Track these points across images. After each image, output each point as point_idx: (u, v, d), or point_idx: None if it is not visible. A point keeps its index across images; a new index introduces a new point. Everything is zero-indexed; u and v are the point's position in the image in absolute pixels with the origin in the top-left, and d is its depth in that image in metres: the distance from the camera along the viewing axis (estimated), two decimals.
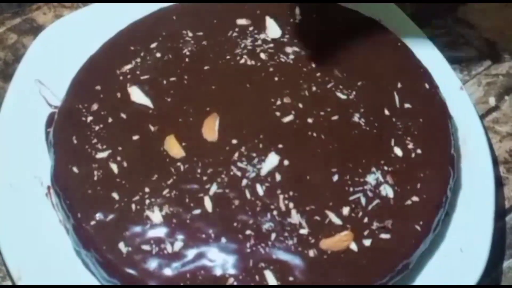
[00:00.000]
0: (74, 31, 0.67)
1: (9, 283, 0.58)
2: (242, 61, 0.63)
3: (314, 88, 0.62)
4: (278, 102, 0.61)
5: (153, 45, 0.63)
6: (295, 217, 0.56)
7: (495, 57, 0.74)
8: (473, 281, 0.56)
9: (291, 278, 0.53)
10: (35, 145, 0.61)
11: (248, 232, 0.55)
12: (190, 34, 0.64)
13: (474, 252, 0.58)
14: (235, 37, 0.64)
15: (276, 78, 0.62)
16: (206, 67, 0.62)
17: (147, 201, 0.56)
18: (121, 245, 0.54)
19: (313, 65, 0.63)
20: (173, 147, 0.58)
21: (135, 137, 0.59)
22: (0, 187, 0.59)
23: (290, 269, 0.54)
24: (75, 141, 0.59)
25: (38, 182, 0.60)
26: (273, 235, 0.55)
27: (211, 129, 0.59)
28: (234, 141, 0.58)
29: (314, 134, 0.59)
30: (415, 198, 0.57)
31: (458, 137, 0.63)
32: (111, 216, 0.55)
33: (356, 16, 0.67)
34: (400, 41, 0.66)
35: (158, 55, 0.63)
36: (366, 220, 0.56)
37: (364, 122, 0.61)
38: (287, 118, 0.60)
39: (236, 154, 0.58)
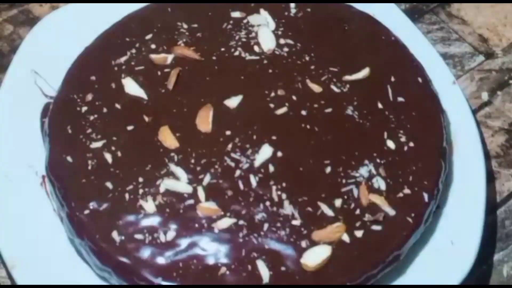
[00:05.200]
0: (69, 22, 0.67)
1: (3, 270, 0.59)
2: (237, 53, 0.63)
3: (307, 81, 0.62)
4: (272, 94, 0.61)
5: (148, 37, 0.64)
6: (287, 208, 0.56)
7: (488, 52, 0.74)
8: (463, 273, 0.57)
9: (283, 268, 0.54)
10: (30, 135, 0.62)
11: (241, 222, 0.55)
12: (185, 26, 0.65)
13: (465, 245, 0.58)
14: (230, 30, 0.65)
15: (270, 71, 0.62)
16: (200, 59, 0.63)
17: (141, 191, 0.56)
18: (115, 234, 0.54)
19: (307, 58, 0.63)
20: (167, 138, 0.58)
21: (130, 128, 0.59)
22: None
23: (282, 259, 0.54)
24: (69, 131, 0.59)
25: (33, 172, 0.60)
26: (266, 226, 0.55)
27: (205, 120, 0.59)
28: (228, 132, 0.59)
29: (308, 126, 0.60)
30: (407, 191, 0.58)
31: (450, 131, 0.64)
32: (104, 205, 0.55)
33: (351, 10, 0.68)
34: (394, 36, 0.67)
35: (153, 46, 0.63)
36: (358, 211, 0.56)
37: (357, 115, 0.61)
38: (281, 110, 0.60)
39: (230, 145, 0.58)
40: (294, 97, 0.61)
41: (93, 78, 0.62)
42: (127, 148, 0.58)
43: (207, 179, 0.57)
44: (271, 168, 0.57)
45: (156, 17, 0.65)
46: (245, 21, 0.65)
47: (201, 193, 0.56)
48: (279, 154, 0.58)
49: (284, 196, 0.56)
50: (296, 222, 0.55)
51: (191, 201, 0.56)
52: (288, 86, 0.62)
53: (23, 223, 0.58)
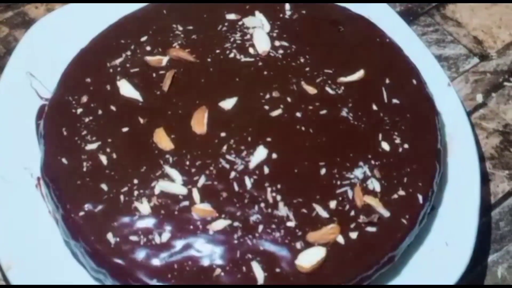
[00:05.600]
0: (65, 25, 0.67)
1: None
2: (232, 55, 0.63)
3: (302, 83, 0.62)
4: (267, 96, 0.61)
5: (143, 39, 0.64)
6: (282, 210, 0.56)
7: (483, 55, 0.74)
8: (458, 274, 0.57)
9: (277, 270, 0.54)
10: (26, 137, 0.62)
11: (235, 223, 0.55)
12: (180, 28, 0.65)
13: (459, 246, 0.58)
14: (225, 32, 0.65)
15: (265, 72, 0.63)
16: (195, 61, 0.63)
17: (136, 193, 0.56)
18: (110, 236, 0.54)
19: (302, 60, 0.64)
20: (162, 140, 0.58)
21: (125, 129, 0.59)
22: None
23: (277, 261, 0.54)
24: (65, 133, 0.59)
25: (28, 174, 0.60)
26: (261, 227, 0.55)
27: (200, 122, 0.59)
28: (223, 134, 0.59)
29: (303, 128, 0.60)
30: (401, 192, 0.58)
31: (445, 133, 0.64)
32: (99, 207, 0.55)
33: (346, 12, 0.68)
34: (389, 38, 0.67)
35: (148, 48, 0.63)
36: (352, 213, 0.57)
37: (352, 116, 0.61)
38: (276, 112, 0.60)
39: (225, 147, 0.58)
40: (289, 99, 0.61)
41: (88, 80, 0.62)
42: (122, 150, 0.58)
43: (202, 180, 0.57)
44: (266, 170, 0.57)
45: (151, 19, 0.66)
46: (240, 23, 0.65)
47: (196, 195, 0.56)
48: (274, 156, 0.58)
49: (279, 197, 0.56)
50: (291, 224, 0.56)
51: (186, 203, 0.56)
52: (283, 88, 0.62)
53: (18, 225, 0.58)
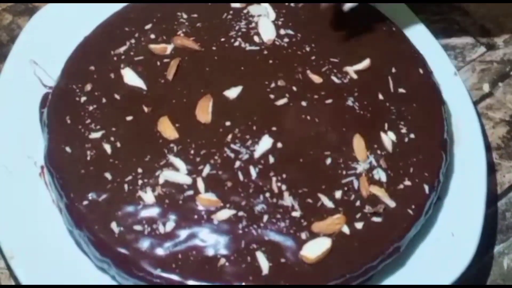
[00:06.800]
0: (69, 12, 0.67)
1: (1, 261, 0.58)
2: (237, 43, 0.63)
3: (308, 72, 0.62)
4: (272, 85, 0.61)
5: (148, 27, 0.64)
6: (287, 200, 0.56)
7: (490, 44, 0.74)
8: (463, 265, 0.57)
9: (282, 260, 0.54)
10: (29, 126, 0.62)
11: (240, 213, 0.55)
12: (185, 16, 0.64)
13: (465, 237, 0.58)
14: (230, 20, 0.64)
15: (270, 61, 0.62)
16: (200, 49, 0.62)
17: (140, 182, 0.56)
18: (113, 225, 0.54)
19: (308, 49, 0.63)
20: (167, 128, 0.58)
21: (129, 118, 0.59)
22: None
23: (281, 251, 0.54)
24: (68, 121, 0.59)
25: (31, 162, 0.60)
26: (266, 217, 0.55)
27: (204, 111, 0.59)
28: (228, 123, 0.58)
29: (308, 117, 0.60)
30: (407, 182, 0.58)
31: (451, 123, 0.64)
32: (103, 196, 0.55)
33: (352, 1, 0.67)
34: (395, 27, 0.66)
35: (153, 36, 0.63)
36: (358, 203, 0.56)
37: (358, 106, 0.61)
38: (281, 101, 0.60)
39: (230, 136, 0.58)
40: (294, 88, 0.61)
41: (92, 68, 0.61)
42: (126, 139, 0.58)
43: (206, 170, 0.56)
44: (271, 159, 0.57)
45: (155, 6, 0.65)
46: (245, 11, 0.65)
47: (200, 184, 0.56)
48: (279, 145, 0.58)
49: (284, 187, 0.56)
50: (296, 214, 0.55)
51: (190, 192, 0.56)
52: (289, 77, 0.61)
53: (22, 214, 0.57)
